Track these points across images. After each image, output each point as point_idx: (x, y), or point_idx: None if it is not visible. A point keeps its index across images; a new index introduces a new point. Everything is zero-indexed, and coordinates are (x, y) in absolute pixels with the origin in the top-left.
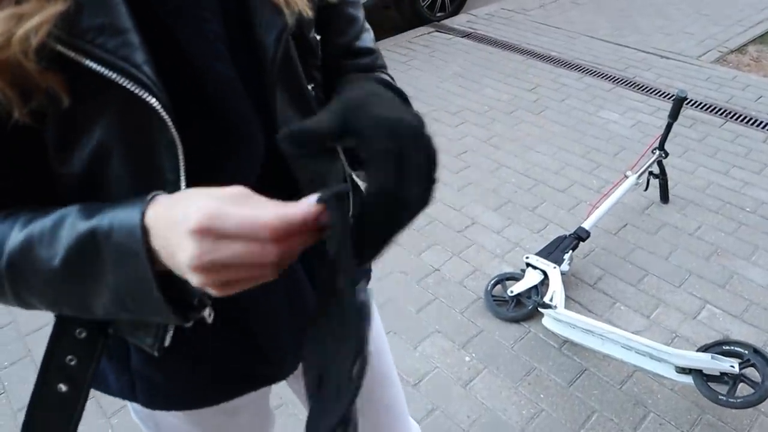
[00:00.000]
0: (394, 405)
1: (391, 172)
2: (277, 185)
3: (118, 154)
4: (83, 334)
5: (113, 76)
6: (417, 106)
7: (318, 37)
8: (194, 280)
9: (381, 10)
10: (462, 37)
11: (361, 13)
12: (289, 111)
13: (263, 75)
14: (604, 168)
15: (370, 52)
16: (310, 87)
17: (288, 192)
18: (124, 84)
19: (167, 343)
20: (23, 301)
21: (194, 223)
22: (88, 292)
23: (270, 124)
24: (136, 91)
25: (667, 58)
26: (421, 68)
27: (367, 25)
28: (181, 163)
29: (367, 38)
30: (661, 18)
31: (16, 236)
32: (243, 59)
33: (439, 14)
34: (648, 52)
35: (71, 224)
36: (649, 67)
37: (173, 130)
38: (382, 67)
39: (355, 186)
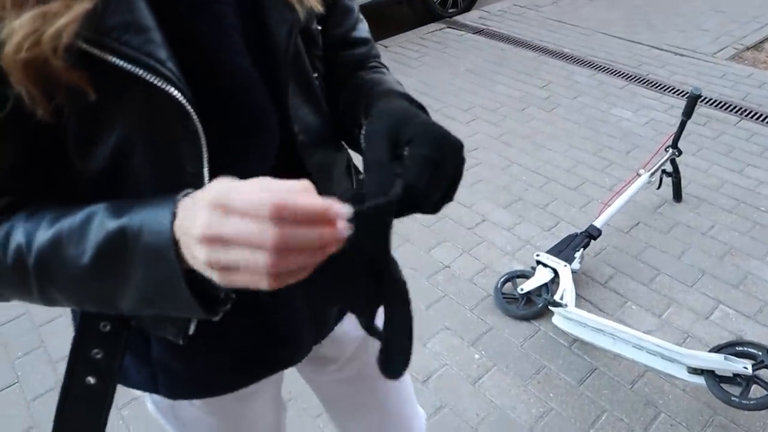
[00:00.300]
0: (402, 388)
1: (426, 175)
2: (289, 174)
3: (140, 149)
4: (107, 328)
5: (139, 72)
6: (428, 102)
7: (319, 28)
8: (201, 254)
9: (393, 5)
10: (474, 33)
11: (355, 4)
12: (297, 100)
13: (276, 68)
14: (617, 166)
15: (366, 42)
16: (315, 76)
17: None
18: (149, 79)
19: (191, 331)
20: (48, 297)
21: (209, 196)
22: (115, 289)
23: (283, 114)
24: (161, 85)
25: (682, 55)
26: (432, 64)
27: (361, 16)
28: (205, 156)
29: (363, 28)
30: (675, 15)
31: (44, 233)
32: (257, 53)
33: (451, 10)
34: (662, 49)
35: (100, 222)
36: (663, 64)
37: (197, 123)
38: (376, 57)
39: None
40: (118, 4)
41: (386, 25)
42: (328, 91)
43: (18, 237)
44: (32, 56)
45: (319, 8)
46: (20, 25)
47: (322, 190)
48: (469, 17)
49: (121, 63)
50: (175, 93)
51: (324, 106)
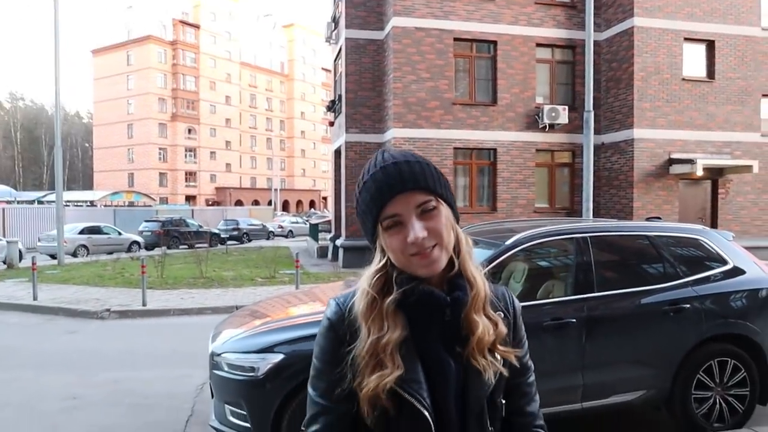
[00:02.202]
0: None
1: None
2: None
3: None
4: None
5: (413, 402)
6: None
7: (503, 401)
8: None
9: (651, 410)
10: None
11: (533, 388)
12: None
13: (466, 413)
14: None
15: (532, 414)
16: (491, 429)
17: None
18: (417, 406)
19: None
20: None
21: None
22: None
23: None
24: (422, 409)
25: None
26: None
27: (537, 396)
28: None
29: (534, 405)
30: None
31: None
32: (458, 401)
33: (716, 425)
34: None
35: None
36: None
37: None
38: (540, 427)
39: None
40: (410, 370)
41: (641, 425)
42: None
43: None
44: (373, 394)
45: (491, 380)
46: (371, 382)
47: None
48: None
49: (407, 397)
50: (427, 414)
51: None
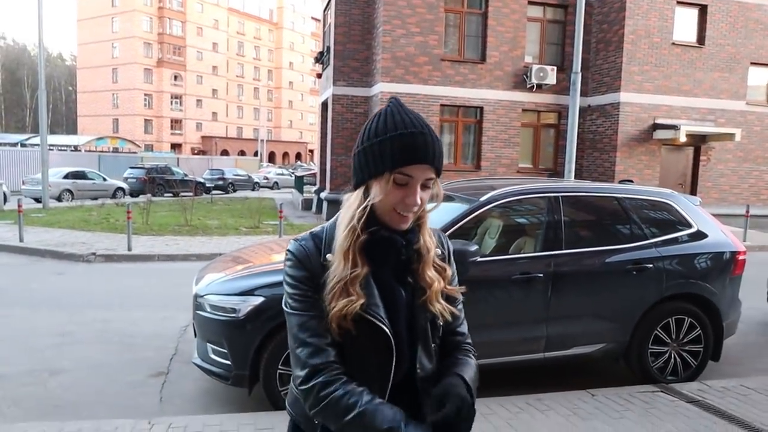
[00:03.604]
0: None
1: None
2: (406, 389)
3: (370, 350)
4: None
5: (374, 320)
6: None
7: (440, 323)
8: None
9: (610, 361)
10: (687, 402)
11: (462, 313)
12: (421, 353)
13: (414, 335)
14: None
15: (462, 335)
16: (433, 345)
17: (409, 390)
18: (377, 323)
19: None
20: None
21: None
22: None
23: (413, 357)
24: (381, 326)
25: None
26: (632, 419)
27: (465, 320)
28: (393, 360)
29: (463, 327)
30: None
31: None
32: (407, 323)
33: (670, 377)
34: None
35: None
36: None
37: (393, 343)
38: (469, 343)
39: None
40: (370, 296)
41: (599, 375)
42: (440, 353)
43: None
44: (340, 315)
45: (448, 319)
46: (339, 305)
47: (422, 402)
48: (687, 387)
49: (369, 317)
50: (386, 329)
51: (435, 361)
